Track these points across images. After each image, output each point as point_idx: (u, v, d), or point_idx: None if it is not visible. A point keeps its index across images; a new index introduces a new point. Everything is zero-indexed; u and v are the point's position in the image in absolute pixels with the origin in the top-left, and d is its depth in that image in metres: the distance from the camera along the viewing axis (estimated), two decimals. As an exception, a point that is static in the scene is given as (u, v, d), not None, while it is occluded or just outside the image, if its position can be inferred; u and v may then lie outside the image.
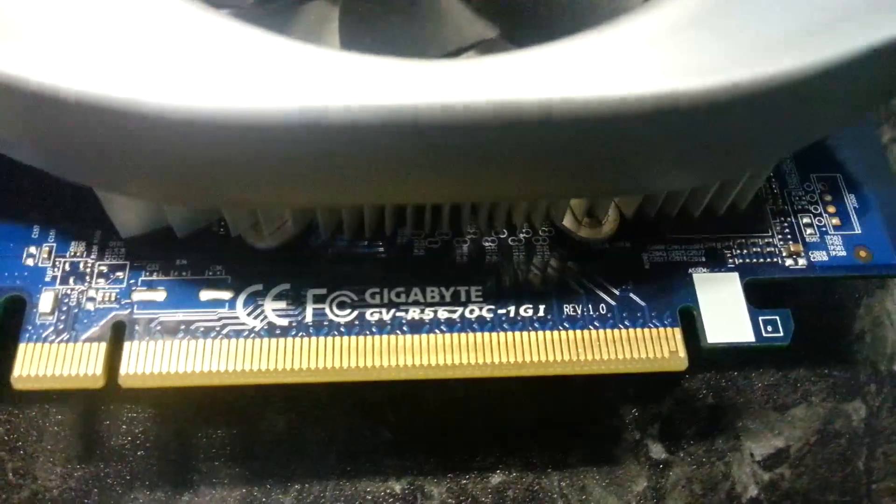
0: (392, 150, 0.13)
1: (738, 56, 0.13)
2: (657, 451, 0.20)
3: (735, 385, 0.21)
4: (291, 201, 0.15)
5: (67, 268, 0.18)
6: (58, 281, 0.18)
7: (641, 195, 0.18)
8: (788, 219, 0.19)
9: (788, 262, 0.19)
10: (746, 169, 0.16)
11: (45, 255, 0.18)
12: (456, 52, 0.16)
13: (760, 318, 0.18)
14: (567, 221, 0.18)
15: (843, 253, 0.19)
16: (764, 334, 0.18)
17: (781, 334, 0.18)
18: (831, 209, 0.20)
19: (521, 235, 0.19)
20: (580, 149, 0.14)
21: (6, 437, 0.18)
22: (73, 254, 0.18)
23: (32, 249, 0.18)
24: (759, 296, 0.18)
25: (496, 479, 0.19)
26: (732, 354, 0.21)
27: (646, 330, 0.18)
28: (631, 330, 0.18)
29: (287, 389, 0.19)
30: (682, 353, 0.17)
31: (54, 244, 0.18)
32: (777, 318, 0.18)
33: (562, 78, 0.13)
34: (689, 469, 0.19)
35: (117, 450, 0.18)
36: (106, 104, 0.13)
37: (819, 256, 0.19)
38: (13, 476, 0.18)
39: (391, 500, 0.19)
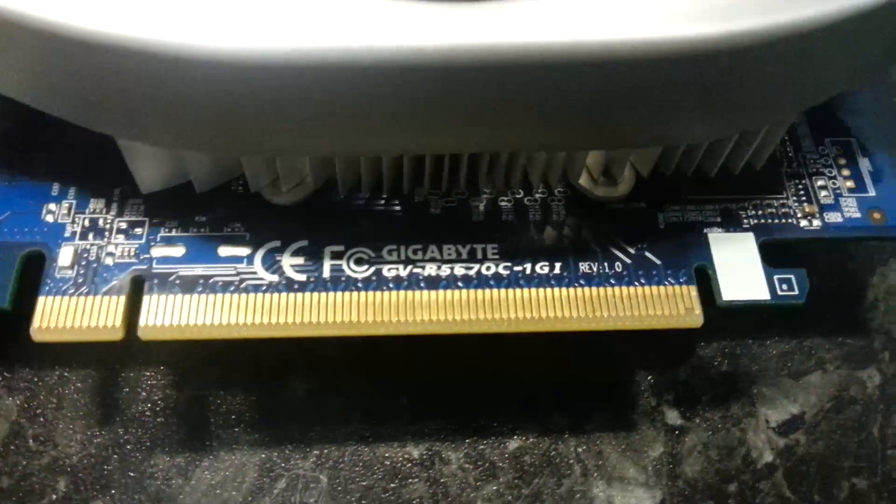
0: (418, 93, 0.13)
1: (764, 3, 0.13)
2: (673, 417, 0.20)
3: (750, 352, 0.21)
4: (312, 148, 0.15)
5: (87, 224, 0.18)
6: (77, 237, 0.18)
7: (658, 152, 0.18)
8: (803, 181, 0.19)
9: (803, 223, 0.19)
10: (766, 120, 0.16)
11: (65, 212, 0.18)
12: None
13: (775, 277, 0.18)
14: (583, 180, 0.19)
15: (858, 215, 0.19)
16: (779, 292, 0.18)
17: (797, 292, 0.18)
18: (846, 172, 0.20)
19: (537, 195, 0.19)
20: (605, 94, 0.14)
21: (26, 405, 0.19)
22: (92, 210, 0.18)
23: (52, 206, 0.18)
24: (774, 257, 0.18)
25: (513, 444, 0.19)
26: (747, 317, 0.21)
27: (661, 287, 0.18)
28: (646, 287, 0.18)
29: (306, 355, 0.19)
30: (698, 310, 0.17)
31: (74, 201, 0.18)
32: (792, 276, 0.18)
33: (590, 20, 0.13)
34: (705, 435, 0.19)
35: (137, 416, 0.19)
36: (134, 45, 0.13)
37: (834, 218, 0.19)
38: (33, 442, 0.18)
39: (409, 465, 0.19)
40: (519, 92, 0.14)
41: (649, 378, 0.20)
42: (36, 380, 0.19)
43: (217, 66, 0.13)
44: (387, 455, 0.19)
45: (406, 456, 0.19)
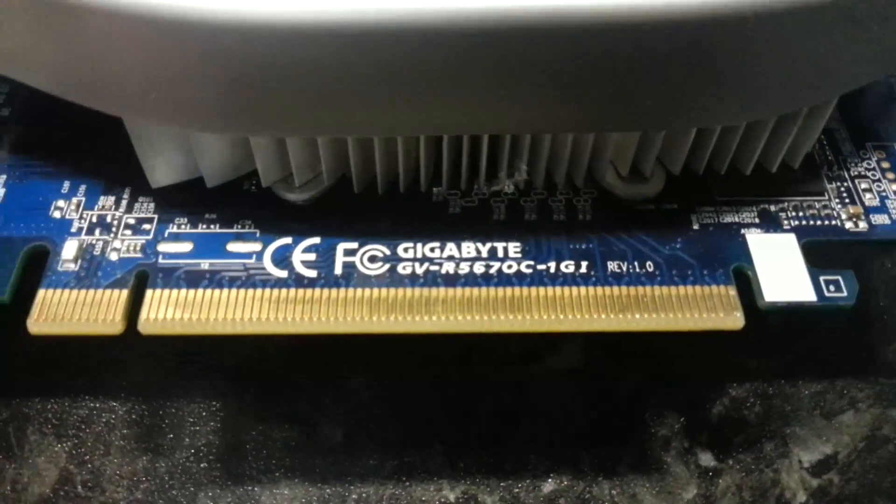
0: (446, 59, 0.13)
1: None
2: (706, 458, 0.19)
3: (782, 392, 0.20)
4: (326, 124, 0.15)
5: (94, 220, 0.17)
6: (84, 232, 0.17)
7: (688, 146, 0.17)
8: (845, 183, 0.18)
9: (848, 224, 0.18)
10: (803, 101, 0.16)
11: (73, 208, 0.18)
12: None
13: (822, 278, 0.17)
14: (610, 178, 0.18)
15: (907, 217, 0.18)
16: (826, 294, 0.16)
17: (845, 294, 0.16)
18: (890, 175, 0.18)
19: (561, 196, 0.18)
20: (634, 62, 0.13)
21: (74, 451, 0.19)
22: (101, 207, 0.18)
23: (61, 203, 0.18)
24: (816, 261, 0.17)
25: (548, 487, 0.19)
26: (779, 357, 0.21)
27: (698, 288, 0.16)
28: (682, 287, 0.16)
29: (337, 395, 0.20)
30: (739, 311, 0.16)
31: (83, 198, 0.18)
32: (840, 277, 0.17)
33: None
34: (739, 476, 0.19)
35: (181, 462, 0.19)
36: (146, 10, 0.13)
37: (880, 220, 0.18)
38: (82, 488, 0.19)
39: (446, 508, 0.19)
40: (548, 58, 0.13)
41: (682, 419, 0.20)
42: (84, 426, 0.20)
43: (230, 31, 0.13)
44: (423, 499, 0.19)
45: (443, 500, 0.19)
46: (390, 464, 0.19)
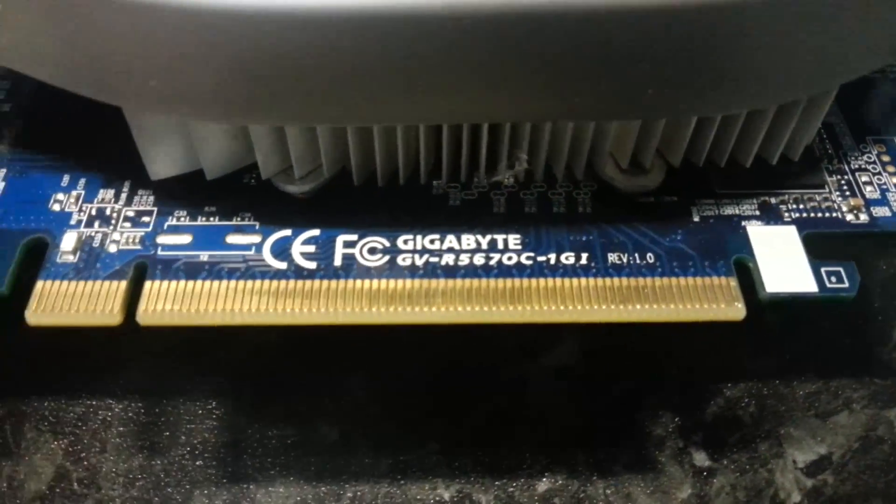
0: (444, 46, 0.13)
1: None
2: (701, 458, 0.19)
3: (777, 393, 0.20)
4: (323, 113, 0.15)
5: (94, 212, 0.17)
6: (83, 224, 0.17)
7: (687, 137, 0.17)
8: (846, 176, 0.18)
9: (849, 216, 0.18)
10: (801, 90, 0.16)
11: (73, 201, 0.18)
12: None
13: (823, 269, 0.17)
14: (609, 170, 0.18)
15: (908, 209, 0.18)
16: (828, 285, 0.16)
17: (847, 285, 0.16)
18: (891, 168, 0.18)
19: (561, 189, 0.18)
20: (632, 49, 0.13)
21: (71, 448, 0.19)
22: (101, 200, 0.18)
23: (60, 196, 0.18)
24: (817, 253, 0.17)
25: (543, 486, 0.19)
26: (773, 358, 0.20)
27: (698, 279, 0.16)
28: (682, 279, 0.16)
29: (334, 395, 0.20)
30: (740, 302, 0.16)
31: (83, 191, 0.18)
32: (841, 269, 0.17)
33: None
34: (733, 476, 0.19)
35: (177, 460, 0.19)
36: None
37: (881, 212, 0.18)
38: (78, 486, 0.18)
39: (441, 507, 0.19)
40: (547, 44, 0.13)
41: (676, 419, 0.20)
42: (80, 424, 0.19)
43: (229, 17, 0.13)
44: (418, 497, 0.18)
45: (437, 498, 0.18)
46: (385, 462, 0.19)
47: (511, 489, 0.19)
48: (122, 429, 0.19)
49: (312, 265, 0.17)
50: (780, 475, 0.19)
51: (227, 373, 0.20)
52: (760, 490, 0.19)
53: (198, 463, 0.19)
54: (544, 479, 0.19)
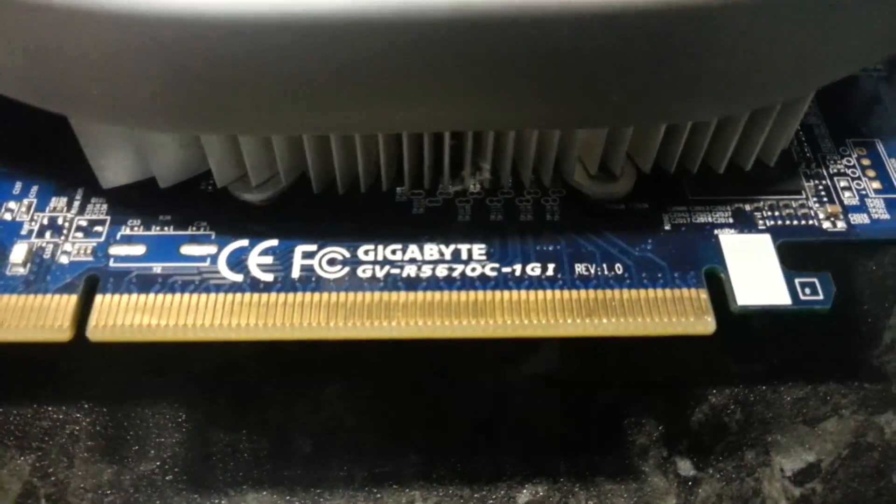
0: (402, 54, 0.12)
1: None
2: (685, 467, 0.19)
3: (763, 399, 0.20)
4: (283, 121, 0.14)
5: (45, 222, 0.17)
6: (34, 234, 0.17)
7: (657, 142, 0.16)
8: (823, 181, 0.18)
9: (826, 224, 0.17)
10: (775, 95, 0.15)
11: (24, 210, 0.17)
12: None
13: (797, 281, 0.16)
14: (578, 176, 0.17)
15: (887, 216, 0.17)
16: (801, 297, 0.16)
17: (821, 297, 0.16)
18: (871, 173, 0.18)
19: (529, 195, 0.17)
20: (600, 55, 0.13)
21: (38, 464, 0.19)
22: (52, 208, 0.17)
23: (12, 204, 0.17)
24: (794, 262, 0.17)
25: (523, 498, 0.18)
26: (760, 363, 0.20)
27: (667, 290, 0.16)
28: (651, 290, 0.16)
29: (310, 408, 0.20)
30: (710, 315, 0.16)
31: (35, 200, 0.17)
32: (816, 280, 0.16)
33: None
34: (719, 486, 0.19)
35: (147, 475, 0.19)
36: (81, 3, 0.12)
37: (860, 219, 0.17)
38: (46, 502, 0.18)
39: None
40: (509, 51, 0.13)
41: (660, 427, 0.19)
42: (47, 438, 0.19)
43: (171, 23, 0.12)
44: None
45: None
46: (360, 475, 0.18)
47: (490, 501, 0.18)
48: (90, 443, 0.19)
49: (269, 277, 0.16)
50: (767, 484, 0.19)
51: (197, 384, 0.20)
52: (747, 499, 0.18)
53: (168, 477, 0.19)
54: (525, 491, 0.19)
